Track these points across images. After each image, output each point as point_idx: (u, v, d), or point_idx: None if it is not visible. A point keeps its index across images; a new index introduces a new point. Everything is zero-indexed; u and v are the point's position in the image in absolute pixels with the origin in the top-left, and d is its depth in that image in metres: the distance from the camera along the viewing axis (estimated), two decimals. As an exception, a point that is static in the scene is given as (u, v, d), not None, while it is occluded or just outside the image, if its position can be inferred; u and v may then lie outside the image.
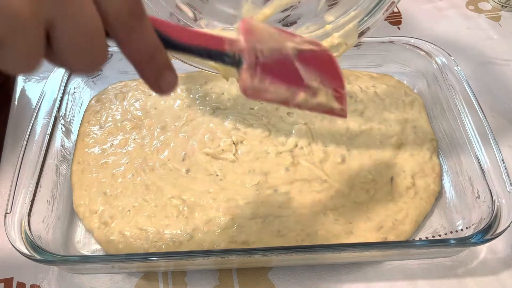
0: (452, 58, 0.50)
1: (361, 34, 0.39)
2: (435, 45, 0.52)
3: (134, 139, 0.49)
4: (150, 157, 0.48)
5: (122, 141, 0.49)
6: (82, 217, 0.44)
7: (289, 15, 0.43)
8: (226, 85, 0.54)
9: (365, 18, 0.38)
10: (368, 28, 0.39)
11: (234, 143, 0.48)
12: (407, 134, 0.50)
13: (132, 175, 0.46)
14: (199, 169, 0.47)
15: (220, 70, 0.40)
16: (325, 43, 0.39)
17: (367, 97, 0.53)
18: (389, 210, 0.44)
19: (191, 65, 0.43)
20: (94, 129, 0.50)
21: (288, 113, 0.51)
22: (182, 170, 0.47)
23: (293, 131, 0.49)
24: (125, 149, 0.49)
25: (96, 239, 0.43)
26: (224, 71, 0.40)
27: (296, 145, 0.48)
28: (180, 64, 0.54)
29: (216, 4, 0.42)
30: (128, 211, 0.44)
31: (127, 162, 0.47)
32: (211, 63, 0.40)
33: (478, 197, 0.42)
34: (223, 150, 0.48)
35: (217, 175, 0.46)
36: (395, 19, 0.67)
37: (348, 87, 0.54)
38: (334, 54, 0.39)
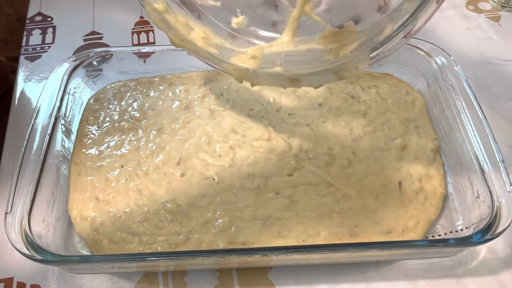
0: (452, 58, 0.50)
1: (374, 58, 0.37)
2: (435, 45, 0.52)
3: (130, 140, 0.49)
4: (145, 160, 0.47)
5: (118, 143, 0.49)
6: (73, 222, 0.44)
7: None
8: (226, 86, 0.54)
9: (379, 46, 0.36)
10: (379, 55, 0.37)
11: (231, 148, 0.48)
12: (410, 135, 0.50)
13: (126, 179, 0.46)
14: (194, 173, 0.46)
15: (233, 73, 0.40)
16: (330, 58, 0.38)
17: (370, 98, 0.53)
18: (399, 216, 0.44)
19: (206, 63, 0.42)
20: (92, 129, 0.50)
21: (289, 114, 0.51)
22: (176, 174, 0.46)
23: (296, 133, 0.49)
24: (120, 151, 0.48)
25: (87, 246, 0.43)
26: (237, 73, 0.40)
27: (300, 149, 0.48)
28: (180, 64, 0.55)
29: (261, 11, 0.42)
30: (120, 217, 0.43)
31: (122, 166, 0.47)
32: (225, 65, 0.40)
33: (478, 197, 0.42)
34: (220, 155, 0.47)
35: (214, 179, 0.46)
36: (395, 19, 0.67)
37: (350, 87, 0.54)
38: (343, 75, 0.37)
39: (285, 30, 0.39)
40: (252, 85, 0.42)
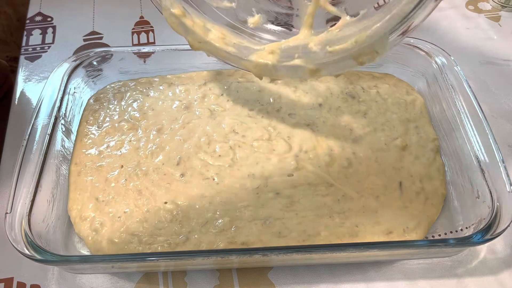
0: (452, 58, 0.50)
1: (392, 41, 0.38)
2: (435, 45, 0.52)
3: (130, 141, 0.49)
4: (144, 161, 0.47)
5: (118, 143, 0.49)
6: (73, 222, 0.44)
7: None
8: (226, 86, 0.54)
9: (397, 26, 0.37)
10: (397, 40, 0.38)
11: (231, 148, 0.48)
12: (410, 135, 0.50)
13: (125, 180, 0.46)
14: (194, 173, 0.46)
15: (252, 69, 0.40)
16: (354, 44, 0.38)
17: (370, 98, 0.53)
18: (400, 216, 0.44)
19: (226, 62, 0.42)
20: (92, 129, 0.50)
21: (289, 114, 0.51)
22: (176, 175, 0.46)
23: (296, 134, 0.49)
24: (120, 151, 0.48)
25: (87, 246, 0.43)
26: (257, 69, 0.40)
27: (300, 149, 0.48)
28: (180, 64, 0.55)
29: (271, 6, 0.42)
30: (119, 217, 0.43)
31: (121, 166, 0.47)
32: (245, 62, 0.40)
33: (478, 197, 0.42)
34: (220, 155, 0.47)
35: (214, 179, 0.46)
36: (395, 19, 0.67)
37: (350, 87, 0.54)
38: (363, 61, 0.37)
39: (302, 27, 0.40)
40: (272, 81, 0.43)
